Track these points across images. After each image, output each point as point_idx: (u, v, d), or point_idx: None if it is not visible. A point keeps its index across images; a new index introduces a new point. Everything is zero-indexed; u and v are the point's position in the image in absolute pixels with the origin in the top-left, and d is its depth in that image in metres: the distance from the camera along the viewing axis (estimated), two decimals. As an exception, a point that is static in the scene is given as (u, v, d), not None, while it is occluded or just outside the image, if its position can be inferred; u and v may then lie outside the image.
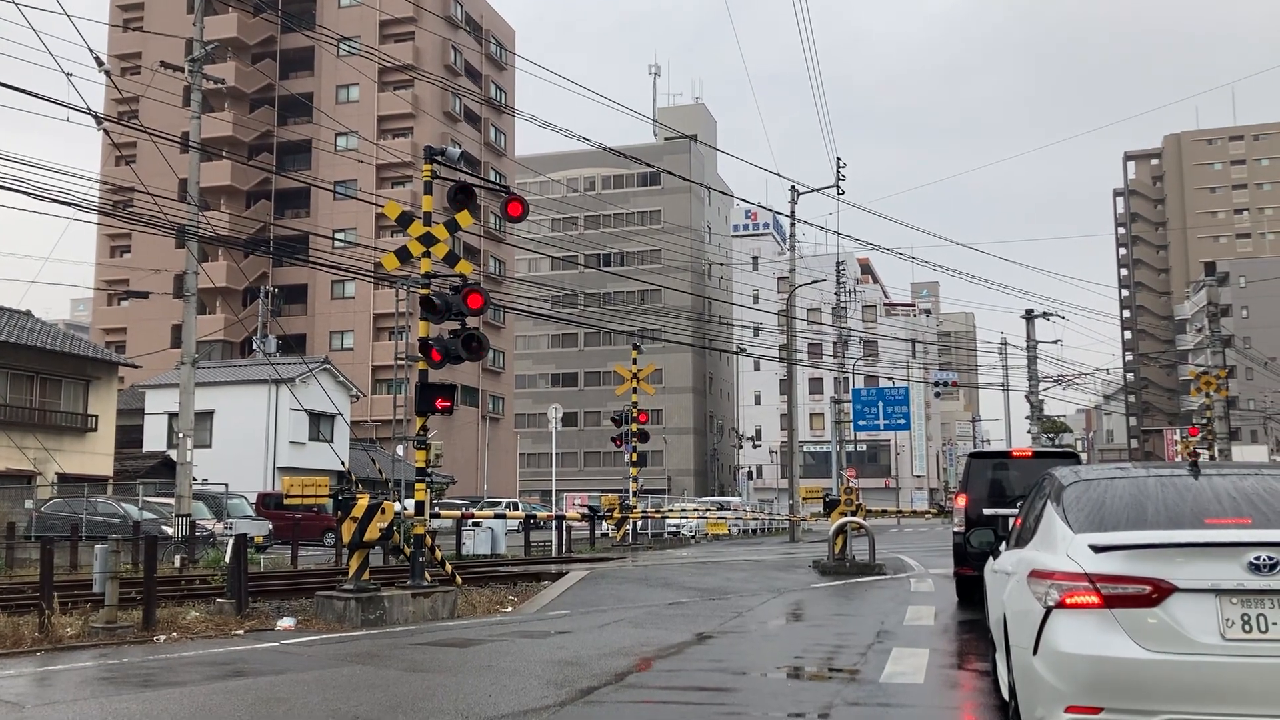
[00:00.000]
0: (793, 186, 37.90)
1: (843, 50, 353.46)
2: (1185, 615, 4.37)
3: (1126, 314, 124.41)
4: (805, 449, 77.06)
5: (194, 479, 25.04)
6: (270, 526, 30.07)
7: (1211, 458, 43.16)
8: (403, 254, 13.72)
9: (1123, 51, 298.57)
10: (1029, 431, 46.52)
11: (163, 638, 10.87)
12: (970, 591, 12.39)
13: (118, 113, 52.31)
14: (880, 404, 56.17)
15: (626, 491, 31.50)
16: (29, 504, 29.54)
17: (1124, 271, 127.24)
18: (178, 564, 19.99)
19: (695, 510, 41.86)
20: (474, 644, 10.20)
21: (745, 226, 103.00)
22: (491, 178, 64.48)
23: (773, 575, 18.39)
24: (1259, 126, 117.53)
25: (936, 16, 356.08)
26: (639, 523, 31.89)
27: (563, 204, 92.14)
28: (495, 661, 8.98)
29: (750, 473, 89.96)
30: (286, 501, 25.73)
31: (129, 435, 42.47)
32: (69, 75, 17.04)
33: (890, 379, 69.36)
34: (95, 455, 35.72)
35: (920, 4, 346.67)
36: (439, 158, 14.27)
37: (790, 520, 38.24)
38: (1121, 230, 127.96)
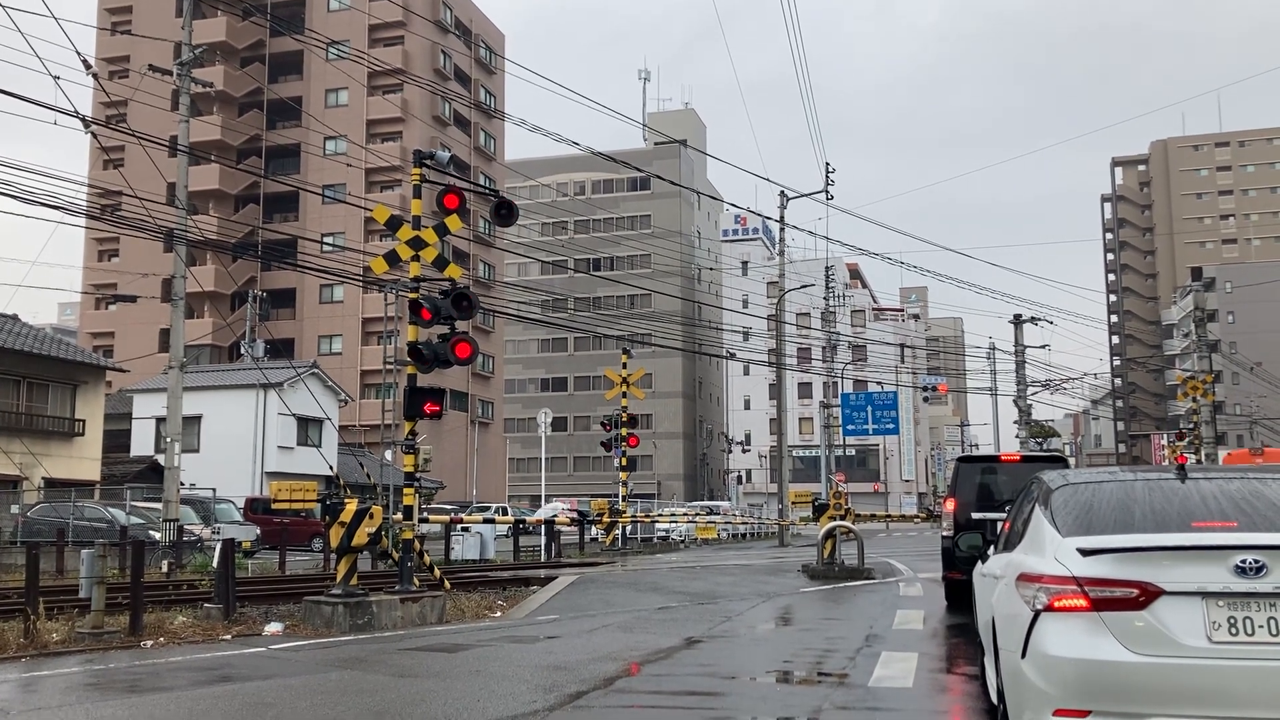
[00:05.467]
0: (782, 192, 37.95)
1: (830, 62, 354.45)
2: (1172, 618, 4.38)
3: (1114, 319, 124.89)
4: (794, 453, 77.20)
5: (181, 484, 24.97)
6: (258, 531, 29.97)
7: (1198, 462, 43.31)
8: (391, 258, 13.69)
9: (1108, 59, 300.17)
10: (1017, 436, 46.66)
11: (150, 643, 10.81)
12: (959, 596, 12.42)
13: (105, 116, 52.11)
14: (869, 409, 56.34)
15: (616, 496, 31.48)
16: (15, 509, 29.41)
17: (1112, 277, 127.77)
18: (165, 569, 19.93)
19: (684, 515, 41.84)
20: (462, 649, 10.18)
21: (735, 231, 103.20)
22: (481, 182, 64.43)
23: (762, 580, 18.40)
24: (1245, 132, 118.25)
25: (923, 30, 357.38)
26: (628, 527, 31.88)
27: (552, 208, 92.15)
28: (483, 666, 8.97)
29: (740, 477, 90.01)
30: (274, 506, 25.73)
31: (116, 440, 42.28)
32: (56, 78, 17.00)
33: (879, 384, 69.51)
34: (82, 460, 35.56)
35: (905, 18, 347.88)
36: (428, 162, 14.25)
37: (779, 525, 38.26)
38: (1109, 236, 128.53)
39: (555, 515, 30.78)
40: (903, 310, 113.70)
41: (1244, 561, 4.39)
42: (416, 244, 13.61)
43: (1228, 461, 33.94)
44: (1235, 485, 5.11)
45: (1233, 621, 4.36)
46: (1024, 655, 4.68)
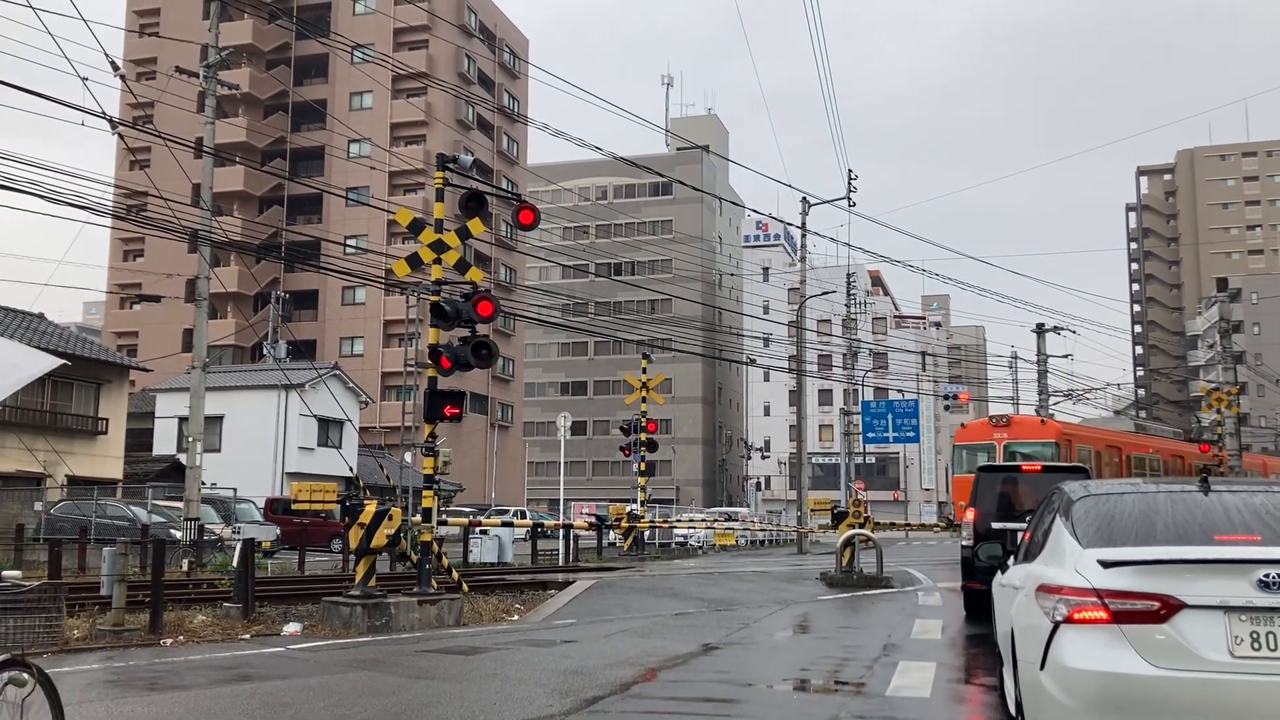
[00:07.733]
0: (804, 198, 37.86)
1: (852, 70, 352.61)
2: (1194, 632, 4.35)
3: (1138, 329, 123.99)
4: (814, 461, 76.93)
5: (203, 483, 25.11)
6: (278, 531, 30.09)
7: (1222, 474, 42.90)
8: (414, 261, 13.74)
9: (1135, 69, 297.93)
10: (1039, 446, 46.25)
11: (169, 641, 10.88)
12: (978, 606, 12.34)
13: (132, 117, 52.56)
14: (890, 416, 55.95)
15: (634, 501, 31.47)
16: (38, 506, 29.63)
17: (1136, 287, 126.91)
18: (185, 568, 20.04)
19: (703, 521, 41.77)
20: (480, 652, 10.19)
21: (756, 237, 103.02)
22: (504, 186, 64.61)
23: (780, 587, 18.35)
24: (1272, 143, 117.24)
25: (946, 39, 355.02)
26: (646, 532, 31.85)
27: (574, 213, 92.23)
28: (501, 669, 8.97)
29: (758, 484, 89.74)
30: (295, 507, 25.85)
31: (139, 439, 42.58)
32: (84, 79, 17.11)
33: (900, 392, 69.17)
34: (105, 458, 35.82)
35: (928, 27, 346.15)
36: (451, 165, 14.30)
37: (798, 532, 38.14)
38: (1134, 245, 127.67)
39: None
40: (924, 318, 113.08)
41: (1267, 576, 4.34)
42: (438, 247, 13.66)
43: (961, 435, 31.48)
44: (1260, 498, 5.06)
45: (1255, 636, 4.32)
46: (1043, 667, 4.64)
